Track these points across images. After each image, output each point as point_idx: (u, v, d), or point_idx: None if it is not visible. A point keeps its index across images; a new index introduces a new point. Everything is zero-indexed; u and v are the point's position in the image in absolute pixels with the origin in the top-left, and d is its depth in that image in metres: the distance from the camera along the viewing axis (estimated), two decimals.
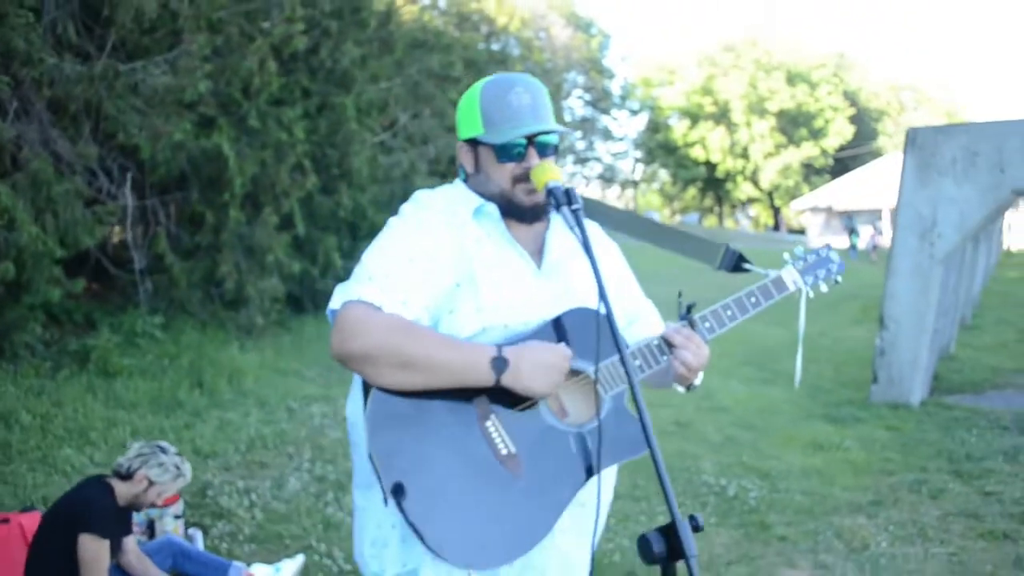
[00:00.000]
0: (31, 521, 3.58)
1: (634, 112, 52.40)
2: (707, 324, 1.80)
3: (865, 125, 55.88)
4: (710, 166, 51.61)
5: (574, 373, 1.66)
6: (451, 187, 1.80)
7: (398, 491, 1.45)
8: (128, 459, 3.36)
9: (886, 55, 61.79)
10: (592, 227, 1.87)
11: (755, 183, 52.15)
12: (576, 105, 48.40)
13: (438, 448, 1.51)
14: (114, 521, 3.26)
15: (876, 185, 46.18)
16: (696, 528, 1.34)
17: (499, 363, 1.52)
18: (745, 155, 51.38)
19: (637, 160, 54.35)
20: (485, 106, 1.71)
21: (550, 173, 1.65)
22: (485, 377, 1.52)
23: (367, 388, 1.58)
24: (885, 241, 40.14)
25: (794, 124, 51.61)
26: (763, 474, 5.36)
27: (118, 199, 8.31)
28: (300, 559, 3.81)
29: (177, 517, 4.04)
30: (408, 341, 1.49)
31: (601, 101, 48.66)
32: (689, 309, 1.75)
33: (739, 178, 51.88)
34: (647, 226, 1.95)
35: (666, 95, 51.74)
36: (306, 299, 11.72)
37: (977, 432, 6.38)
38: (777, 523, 4.42)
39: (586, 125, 49.73)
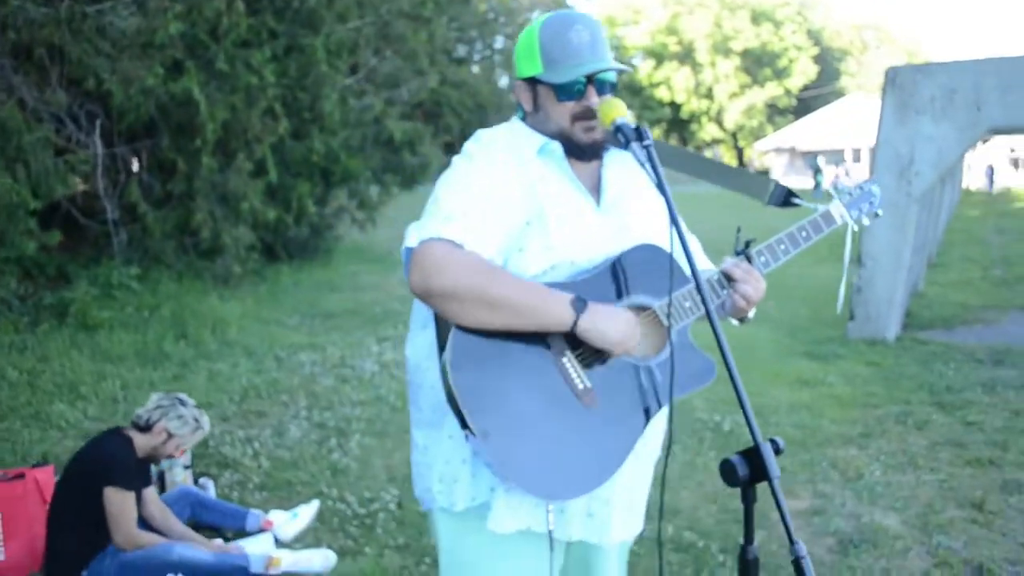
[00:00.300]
0: (45, 476, 3.59)
1: None
2: (763, 258, 1.86)
3: (828, 65, 56.12)
4: (675, 107, 51.60)
5: (641, 308, 1.72)
6: (510, 125, 1.83)
7: (483, 427, 1.52)
8: (147, 411, 3.38)
9: None
10: (637, 165, 1.92)
11: (720, 124, 52.34)
12: None
13: (519, 384, 1.56)
14: (136, 473, 3.29)
15: (839, 125, 46.62)
16: (777, 451, 1.42)
17: (578, 304, 1.57)
18: (710, 96, 51.43)
19: None
20: (545, 44, 1.72)
21: (617, 110, 1.68)
22: (564, 319, 1.57)
23: (441, 330, 1.63)
24: (848, 180, 40.66)
25: (758, 64, 51.66)
26: (754, 410, 5.55)
27: (88, 147, 8.12)
28: (315, 504, 3.88)
29: (186, 467, 4.08)
30: (492, 281, 1.54)
31: None
32: (747, 244, 1.82)
33: (704, 119, 52.02)
34: (698, 162, 2.00)
35: (630, 35, 51.35)
36: (279, 247, 11.63)
37: (954, 365, 6.64)
38: None
39: None
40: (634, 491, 1.81)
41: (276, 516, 3.77)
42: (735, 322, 1.90)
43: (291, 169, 11.06)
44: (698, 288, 1.51)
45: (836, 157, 45.08)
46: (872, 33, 58.94)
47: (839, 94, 54.13)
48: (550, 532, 1.66)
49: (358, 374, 6.51)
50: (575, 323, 1.57)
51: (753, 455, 1.39)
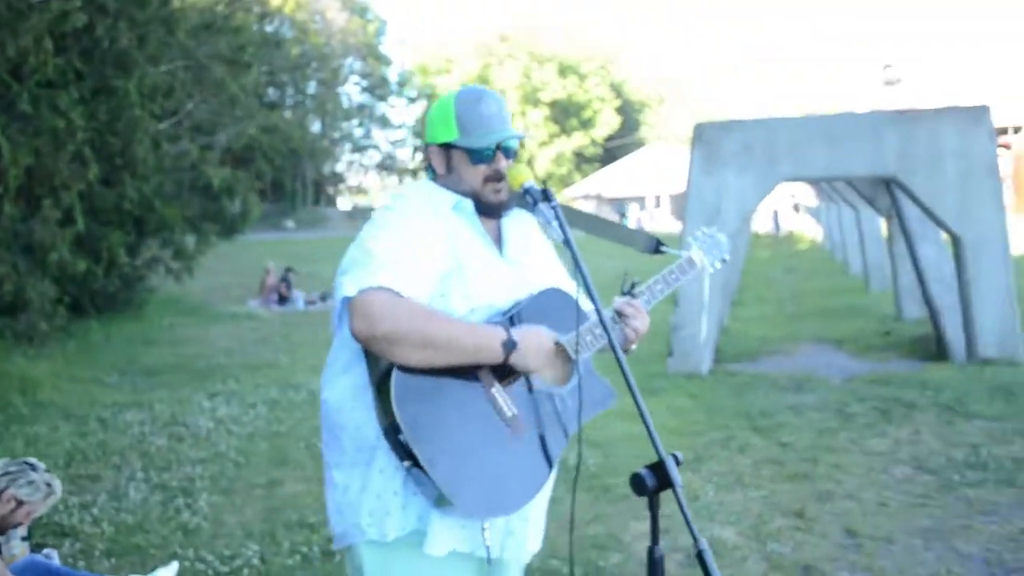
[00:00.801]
0: None
1: (412, 100, 52.83)
2: (644, 297, 2.16)
3: (630, 116, 60.20)
4: None
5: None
6: (424, 184, 2.03)
7: (429, 455, 1.68)
8: None
9: (649, 50, 66.86)
10: (530, 218, 2.18)
11: (531, 170, 54.45)
12: (353, 91, 47.87)
13: (456, 415, 1.75)
14: None
15: (641, 173, 50.10)
16: (678, 463, 1.68)
17: (509, 345, 1.79)
18: (520, 144, 53.54)
19: (416, 148, 54.85)
20: (460, 114, 1.96)
21: (524, 174, 1.94)
22: (496, 355, 1.78)
23: (374, 372, 1.78)
24: (650, 222, 43.60)
25: (565, 114, 54.53)
26: (594, 444, 5.92)
27: None
28: (174, 565, 3.77)
29: (24, 539, 3.82)
30: (430, 324, 1.72)
31: (379, 88, 48.52)
32: (633, 285, 2.11)
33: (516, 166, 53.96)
34: (583, 218, 2.29)
35: (443, 83, 52.62)
36: (86, 300, 10.94)
37: (763, 393, 7.40)
38: (617, 485, 4.96)
39: (363, 112, 49.33)
40: (541, 507, 2.04)
41: None
42: (621, 353, 2.18)
43: (101, 217, 10.50)
44: (602, 324, 1.76)
45: (640, 202, 48.30)
46: (668, 87, 63.92)
47: (639, 144, 58.18)
48: (487, 548, 1.84)
49: (193, 431, 6.30)
50: (505, 360, 1.79)
51: (658, 468, 1.64)
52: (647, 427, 1.68)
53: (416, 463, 1.71)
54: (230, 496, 4.90)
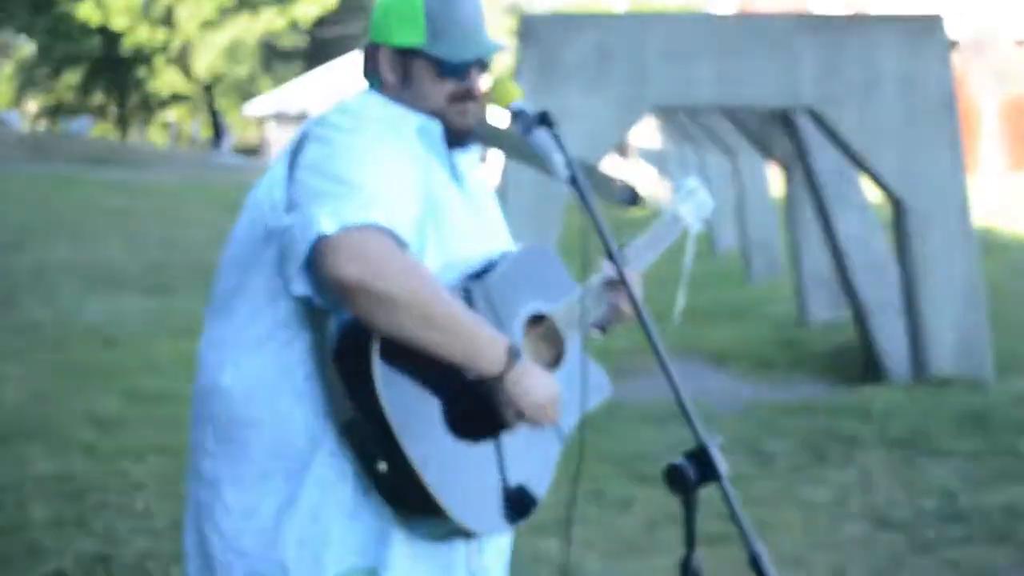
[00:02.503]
0: None
1: None
2: (633, 263, 2.75)
3: None
4: (108, 36, 51.64)
5: (534, 320, 2.52)
6: (374, 99, 2.51)
7: (421, 453, 2.19)
8: None
9: None
10: (472, 153, 2.74)
11: (184, 70, 53.61)
12: None
13: (444, 402, 2.26)
14: None
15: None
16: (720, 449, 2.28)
17: (515, 352, 2.29)
18: (169, 22, 52.46)
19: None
20: (431, 12, 2.45)
21: (512, 92, 2.47)
22: (497, 361, 2.27)
23: (346, 344, 2.27)
24: None
25: None
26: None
27: None
28: None
29: None
30: (436, 296, 2.20)
31: None
32: (621, 246, 2.74)
33: (158, 60, 52.83)
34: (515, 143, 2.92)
35: None
36: None
37: (632, 429, 8.21)
38: None
39: None
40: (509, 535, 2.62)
41: None
42: (597, 332, 2.81)
43: None
44: (633, 304, 2.37)
45: None
46: None
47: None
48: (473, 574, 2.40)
49: None
50: (503, 372, 2.30)
51: (699, 456, 2.21)
52: (682, 407, 2.24)
53: (395, 466, 2.24)
54: None
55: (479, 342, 2.28)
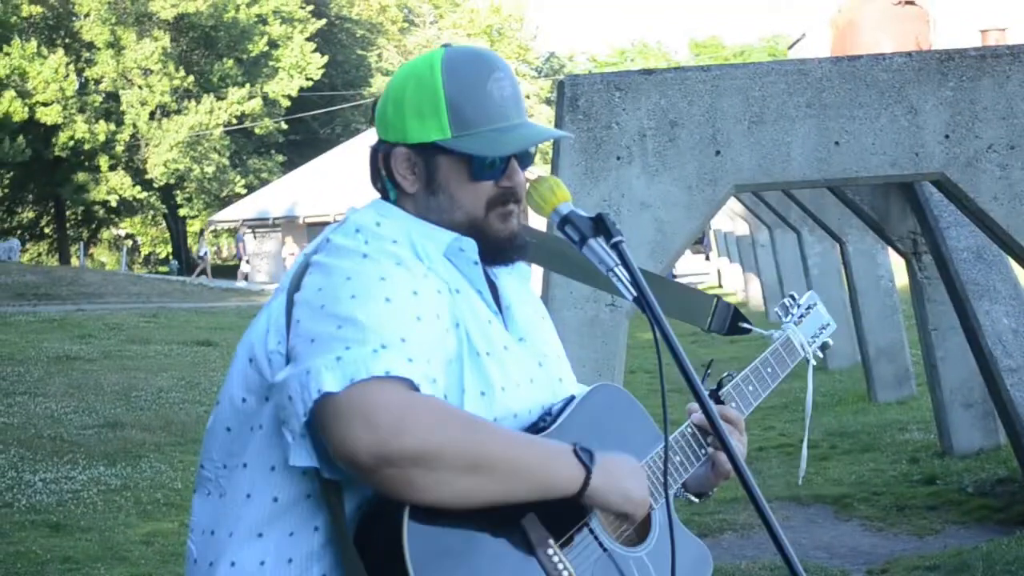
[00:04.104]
0: None
1: None
2: (733, 404, 2.81)
3: (347, 54, 61.78)
4: (37, 135, 52.38)
5: None
6: (393, 213, 2.55)
7: None
8: None
9: None
10: (520, 270, 2.77)
11: (137, 173, 54.20)
12: None
13: None
14: None
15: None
16: None
17: (586, 454, 2.33)
18: (113, 113, 53.25)
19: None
20: (454, 97, 2.49)
21: (559, 192, 2.53)
22: (570, 483, 2.32)
23: (366, 524, 2.29)
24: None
25: (208, 44, 55.01)
26: None
27: None
28: None
29: None
30: (481, 436, 2.24)
31: None
32: (720, 384, 2.77)
33: (101, 160, 53.39)
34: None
35: None
36: None
37: None
38: None
39: None
40: None
41: None
42: (694, 499, 2.83)
43: None
44: (719, 434, 2.41)
45: None
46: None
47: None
48: None
49: None
50: (586, 482, 2.34)
51: None
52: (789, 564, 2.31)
53: None
54: None
55: (543, 468, 2.33)
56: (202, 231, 59.25)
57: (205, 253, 56.62)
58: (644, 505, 2.46)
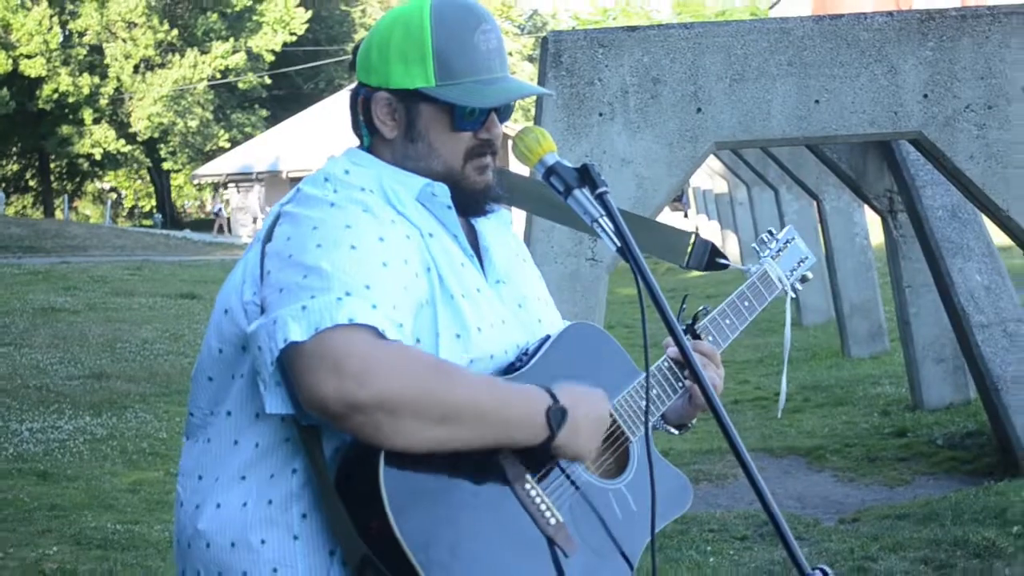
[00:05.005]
0: None
1: None
2: (710, 338, 2.84)
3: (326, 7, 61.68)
4: (21, 87, 52.21)
5: None
6: (365, 159, 2.57)
7: None
8: None
9: None
10: (498, 216, 2.77)
11: (121, 127, 54.07)
12: None
13: (475, 529, 2.30)
14: None
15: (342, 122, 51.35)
16: None
17: (557, 415, 2.35)
18: (97, 66, 53.10)
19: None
20: (442, 46, 2.50)
21: (545, 142, 2.53)
22: (535, 433, 2.34)
23: (343, 468, 2.31)
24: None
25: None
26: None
27: None
28: None
29: None
30: (446, 383, 2.25)
31: None
32: (695, 318, 2.80)
33: (85, 113, 53.29)
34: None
35: None
36: None
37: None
38: None
39: None
40: None
41: None
42: (674, 431, 2.86)
43: None
44: (693, 372, 2.43)
45: None
46: None
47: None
48: None
49: None
50: (549, 441, 2.37)
51: None
52: (780, 533, 2.34)
53: None
54: None
55: (511, 418, 2.35)
56: (216, 188, 59.28)
57: (220, 210, 56.51)
58: (591, 456, 2.50)
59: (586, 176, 2.48)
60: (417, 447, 2.25)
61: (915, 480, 10.39)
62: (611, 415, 2.58)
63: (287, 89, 61.61)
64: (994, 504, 8.70)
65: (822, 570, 2.33)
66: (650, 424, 2.62)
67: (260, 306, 2.37)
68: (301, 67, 60.70)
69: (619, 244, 2.42)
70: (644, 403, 2.63)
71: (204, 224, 59.28)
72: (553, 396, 2.40)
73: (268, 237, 2.44)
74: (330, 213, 2.40)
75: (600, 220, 2.44)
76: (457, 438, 2.28)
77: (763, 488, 2.34)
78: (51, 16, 51.76)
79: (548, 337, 2.62)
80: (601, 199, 2.46)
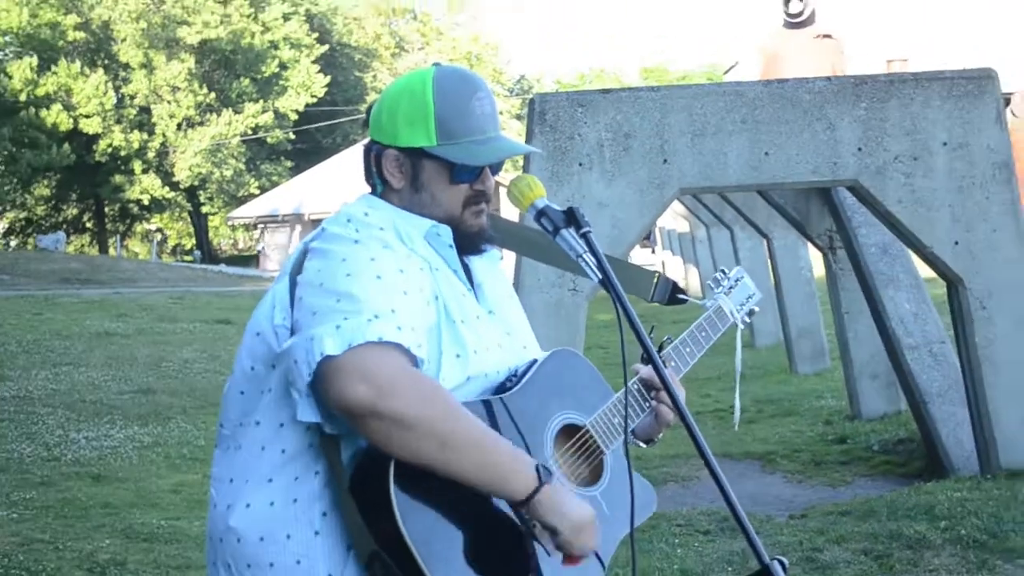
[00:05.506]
0: None
1: None
2: (673, 364, 2.86)
3: (345, 75, 61.91)
4: (80, 143, 52.31)
5: (568, 432, 2.60)
6: (379, 204, 2.60)
7: None
8: None
9: None
10: (490, 256, 2.79)
11: (166, 176, 54.22)
12: None
13: (473, 533, 2.32)
14: None
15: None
16: (784, 569, 2.36)
17: (547, 472, 2.35)
18: (145, 124, 53.28)
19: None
20: (442, 111, 2.54)
21: (536, 189, 2.57)
22: (524, 485, 2.32)
23: (360, 471, 2.32)
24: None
25: (227, 65, 55.02)
26: None
27: None
28: None
29: None
30: (454, 417, 2.26)
31: None
32: (661, 347, 2.80)
33: (135, 165, 53.46)
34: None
35: None
36: None
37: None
38: None
39: None
40: None
41: None
42: (642, 444, 2.87)
43: None
44: (675, 405, 2.43)
45: None
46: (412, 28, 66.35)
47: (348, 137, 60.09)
48: None
49: None
50: (532, 496, 2.33)
51: None
52: (743, 528, 2.34)
53: None
54: None
55: (503, 465, 2.33)
56: (247, 228, 59.53)
57: (263, 248, 56.73)
58: (578, 529, 2.39)
59: (572, 218, 2.52)
60: (417, 463, 2.26)
61: (855, 481, 10.42)
62: (588, 429, 2.63)
63: (309, 143, 61.84)
64: (924, 502, 8.70)
65: (779, 560, 2.33)
66: (628, 430, 2.65)
67: (290, 329, 2.39)
68: (321, 124, 61.07)
69: (601, 276, 2.46)
70: (617, 420, 2.66)
71: (238, 260, 59.60)
72: (543, 465, 2.39)
73: (298, 270, 2.47)
74: (356, 248, 2.43)
75: (584, 256, 2.48)
76: (453, 465, 2.28)
77: (727, 488, 2.33)
78: (106, 82, 52.16)
79: (535, 361, 2.65)
80: (585, 237, 2.50)
